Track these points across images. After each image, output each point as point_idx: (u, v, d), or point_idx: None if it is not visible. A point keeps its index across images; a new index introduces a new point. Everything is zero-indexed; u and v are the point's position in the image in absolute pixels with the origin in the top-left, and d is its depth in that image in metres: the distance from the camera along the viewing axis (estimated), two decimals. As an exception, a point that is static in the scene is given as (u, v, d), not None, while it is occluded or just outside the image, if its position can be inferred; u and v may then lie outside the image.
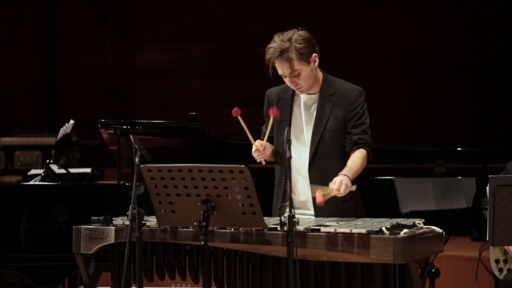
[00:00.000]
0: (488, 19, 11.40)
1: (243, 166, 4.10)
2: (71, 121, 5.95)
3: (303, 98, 4.64)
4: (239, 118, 4.42)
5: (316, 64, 4.58)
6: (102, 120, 5.49)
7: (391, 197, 5.55)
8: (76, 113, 9.87)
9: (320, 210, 4.46)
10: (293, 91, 4.64)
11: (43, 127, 10.91)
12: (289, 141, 4.05)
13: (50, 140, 9.33)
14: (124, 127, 5.48)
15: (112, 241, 4.46)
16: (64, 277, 5.32)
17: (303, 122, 4.61)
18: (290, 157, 4.04)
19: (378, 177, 5.65)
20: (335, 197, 4.37)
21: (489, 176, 4.20)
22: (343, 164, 4.50)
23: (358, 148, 4.53)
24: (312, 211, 4.56)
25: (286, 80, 4.56)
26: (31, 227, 5.25)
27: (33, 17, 11.34)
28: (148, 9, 11.49)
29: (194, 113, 5.82)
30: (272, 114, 4.42)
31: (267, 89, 4.79)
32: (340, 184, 4.33)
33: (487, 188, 4.24)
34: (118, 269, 4.47)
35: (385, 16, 11.38)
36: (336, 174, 4.42)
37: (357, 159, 4.50)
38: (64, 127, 5.98)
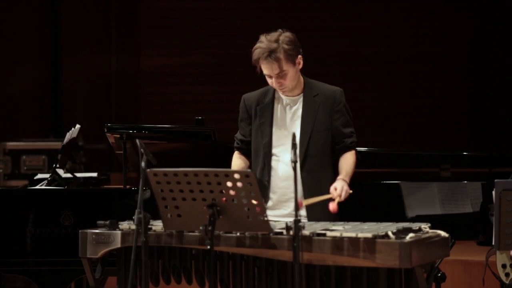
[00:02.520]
0: (491, 23, 11.39)
1: (249, 170, 4.12)
2: (77, 126, 5.96)
3: (285, 100, 4.67)
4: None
5: (301, 66, 4.64)
6: (108, 124, 5.51)
7: (397, 201, 5.55)
8: (81, 118, 9.88)
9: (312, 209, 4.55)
10: (273, 95, 4.68)
11: (48, 132, 10.91)
12: (295, 146, 4.06)
13: (56, 145, 9.32)
14: (130, 131, 5.49)
15: (118, 245, 4.46)
16: (70, 281, 5.32)
17: (287, 124, 4.64)
18: (296, 161, 4.05)
19: (384, 181, 5.65)
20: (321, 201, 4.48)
21: (495, 180, 4.21)
22: (331, 163, 4.62)
23: (349, 150, 4.64)
24: (288, 211, 4.60)
25: (271, 81, 4.60)
26: (37, 231, 5.26)
27: (38, 22, 11.36)
28: (152, 14, 11.50)
29: (200, 117, 5.83)
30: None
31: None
32: (341, 190, 4.47)
33: (493, 192, 4.25)
34: (124, 273, 4.47)
35: (386, 21, 11.38)
36: (326, 174, 4.58)
37: (350, 161, 4.63)
38: (70, 131, 5.98)
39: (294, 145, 4.05)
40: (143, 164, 4.24)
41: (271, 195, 4.62)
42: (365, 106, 11.12)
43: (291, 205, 4.59)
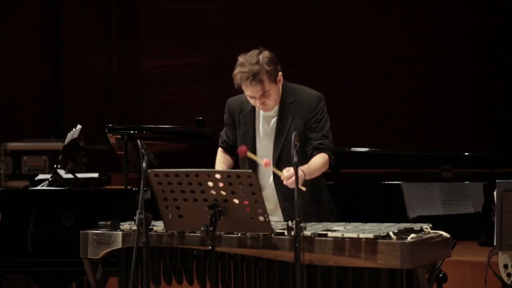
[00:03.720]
0: (491, 23, 11.40)
1: (250, 171, 4.12)
2: (78, 126, 5.96)
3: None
4: (249, 154, 4.50)
5: (281, 82, 4.61)
6: (110, 125, 5.51)
7: (398, 202, 5.55)
8: (82, 118, 9.87)
9: (289, 214, 4.49)
10: None
11: (49, 132, 10.92)
12: (296, 146, 4.05)
13: (57, 145, 9.33)
14: (131, 132, 5.50)
15: (120, 246, 4.46)
16: (71, 282, 5.32)
17: (267, 133, 4.63)
18: (297, 163, 4.04)
19: (385, 182, 5.65)
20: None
21: (497, 181, 4.21)
22: None
23: (319, 152, 4.56)
24: (279, 218, 4.60)
25: (254, 101, 4.57)
26: (38, 232, 5.26)
27: (38, 22, 11.36)
28: (153, 14, 11.50)
29: (200, 118, 5.83)
30: (241, 153, 4.48)
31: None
32: (291, 175, 4.27)
33: (494, 193, 4.25)
34: (126, 274, 4.48)
35: (386, 21, 11.38)
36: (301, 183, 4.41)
37: (317, 161, 4.53)
38: (71, 132, 5.99)
39: (295, 146, 4.05)
40: (144, 164, 4.24)
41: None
42: (365, 106, 11.12)
43: (277, 212, 4.59)
